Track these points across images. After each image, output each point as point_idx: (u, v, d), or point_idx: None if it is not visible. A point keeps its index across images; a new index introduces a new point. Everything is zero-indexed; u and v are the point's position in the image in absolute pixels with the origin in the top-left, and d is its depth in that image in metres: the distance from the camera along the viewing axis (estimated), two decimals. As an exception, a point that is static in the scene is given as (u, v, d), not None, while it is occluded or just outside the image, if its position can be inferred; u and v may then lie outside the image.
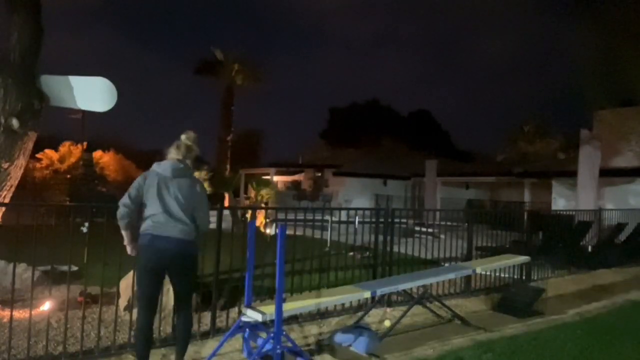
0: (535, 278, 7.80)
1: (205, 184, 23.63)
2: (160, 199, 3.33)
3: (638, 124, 14.77)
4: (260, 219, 11.89)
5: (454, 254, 6.92)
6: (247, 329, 3.81)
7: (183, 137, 3.56)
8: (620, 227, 10.32)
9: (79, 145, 22.05)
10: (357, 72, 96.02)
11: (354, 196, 22.85)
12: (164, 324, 4.44)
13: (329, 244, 9.07)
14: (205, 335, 4.45)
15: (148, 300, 3.41)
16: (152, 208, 3.34)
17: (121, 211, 3.34)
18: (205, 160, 31.29)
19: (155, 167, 3.45)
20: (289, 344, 3.85)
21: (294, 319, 5.00)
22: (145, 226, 3.35)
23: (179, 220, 3.33)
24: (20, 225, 3.51)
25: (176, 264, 3.36)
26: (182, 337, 3.54)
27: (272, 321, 3.62)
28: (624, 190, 13.86)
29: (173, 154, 3.50)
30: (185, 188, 3.40)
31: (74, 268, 5.36)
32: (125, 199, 3.34)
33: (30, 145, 4.93)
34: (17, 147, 4.74)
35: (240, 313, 4.36)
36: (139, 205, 3.37)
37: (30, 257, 3.92)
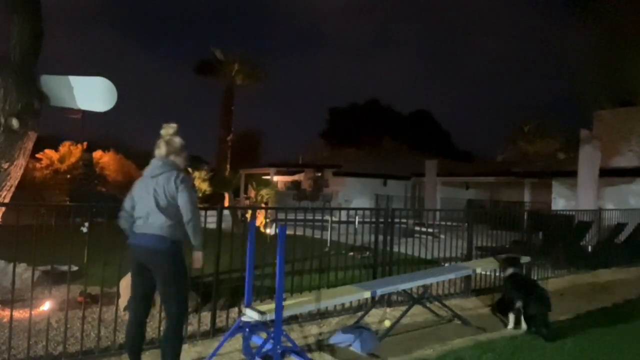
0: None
1: (205, 184, 23.68)
2: (140, 199, 3.38)
3: (638, 124, 14.75)
4: (260, 219, 11.89)
5: (454, 254, 6.92)
6: (247, 329, 3.81)
7: (162, 132, 3.51)
8: (620, 227, 10.31)
9: (79, 145, 22.06)
10: (357, 72, 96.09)
11: (354, 196, 22.86)
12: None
13: (329, 244, 9.07)
14: (205, 335, 4.45)
15: (135, 298, 3.46)
16: (137, 209, 3.41)
17: (119, 216, 3.47)
18: (205, 160, 31.34)
19: (145, 169, 3.50)
20: (289, 344, 3.85)
21: (294, 319, 5.00)
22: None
23: (156, 218, 3.30)
24: (20, 225, 3.51)
25: (151, 262, 3.33)
26: (163, 343, 3.40)
27: (272, 321, 3.62)
28: (624, 190, 13.85)
29: (156, 152, 3.49)
30: (162, 185, 3.33)
31: (74, 268, 5.37)
32: (122, 205, 3.46)
33: (30, 145, 4.93)
34: (17, 147, 4.74)
35: (240, 313, 4.37)
36: (132, 209, 3.42)
37: (30, 257, 3.92)
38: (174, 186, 3.32)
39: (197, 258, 3.48)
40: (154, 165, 3.44)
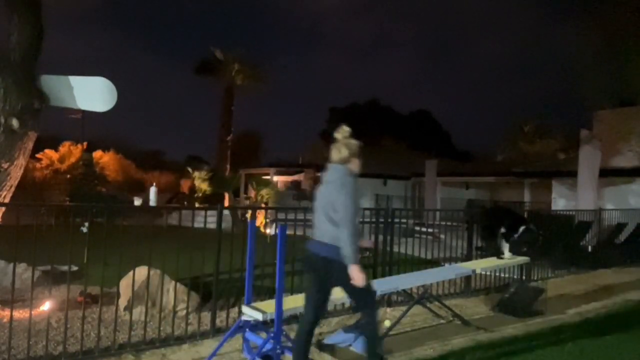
0: (535, 278, 7.80)
1: (205, 184, 23.67)
2: (316, 207, 3.46)
3: (638, 124, 14.75)
4: (260, 219, 11.88)
5: (454, 254, 6.92)
6: (247, 329, 3.81)
7: (338, 135, 3.52)
8: (620, 227, 10.32)
9: (79, 145, 22.06)
10: (356, 72, 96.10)
11: (354, 196, 22.81)
12: (164, 324, 4.45)
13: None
14: (205, 335, 4.45)
15: (308, 303, 3.54)
16: (314, 216, 3.50)
17: None
18: (206, 160, 31.34)
19: (323, 174, 3.55)
20: (289, 344, 3.85)
21: (294, 318, 4.98)
22: None
23: (328, 227, 3.34)
24: (20, 225, 3.51)
25: (319, 268, 3.42)
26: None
27: (272, 321, 3.62)
28: (624, 190, 13.84)
29: (335, 156, 3.47)
30: (326, 192, 3.39)
31: (74, 268, 5.37)
32: None
33: (30, 145, 4.93)
34: (17, 147, 4.74)
35: (240, 313, 4.36)
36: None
37: (30, 257, 3.92)
38: (335, 194, 3.30)
39: (354, 272, 3.30)
40: (330, 170, 3.46)
